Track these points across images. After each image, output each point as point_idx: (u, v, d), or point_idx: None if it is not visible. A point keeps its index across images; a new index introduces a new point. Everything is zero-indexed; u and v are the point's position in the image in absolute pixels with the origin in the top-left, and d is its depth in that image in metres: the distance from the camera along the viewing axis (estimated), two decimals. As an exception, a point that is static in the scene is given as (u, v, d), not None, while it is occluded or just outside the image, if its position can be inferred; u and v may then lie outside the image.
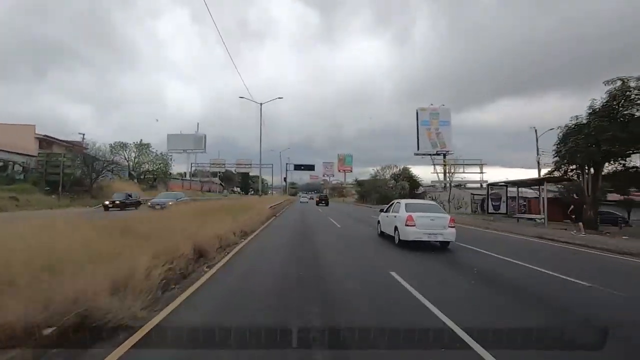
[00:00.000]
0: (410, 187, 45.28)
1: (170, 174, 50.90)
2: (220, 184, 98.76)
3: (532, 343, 3.35)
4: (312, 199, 66.26)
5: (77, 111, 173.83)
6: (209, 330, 3.33)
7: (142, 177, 47.76)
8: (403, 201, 10.55)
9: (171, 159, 50.01)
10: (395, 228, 9.70)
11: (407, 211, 9.32)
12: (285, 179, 57.95)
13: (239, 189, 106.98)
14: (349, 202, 64.82)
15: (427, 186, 50.34)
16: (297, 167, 60.83)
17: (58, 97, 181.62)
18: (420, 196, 41.91)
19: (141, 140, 53.00)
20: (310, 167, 63.45)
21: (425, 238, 8.88)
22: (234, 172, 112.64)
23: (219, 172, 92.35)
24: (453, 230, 9.10)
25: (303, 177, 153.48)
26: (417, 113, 53.85)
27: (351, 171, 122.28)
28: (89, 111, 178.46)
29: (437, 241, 9.31)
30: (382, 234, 11.46)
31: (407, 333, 3.37)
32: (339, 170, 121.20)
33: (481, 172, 43.24)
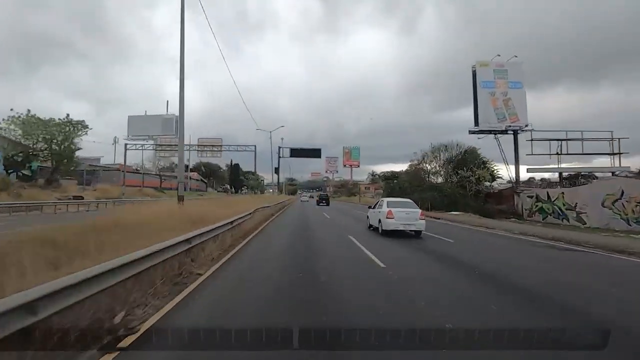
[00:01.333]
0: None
1: (74, 157, 32.29)
2: (202, 180, 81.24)
3: None
4: (313, 197, 64.78)
5: (75, 107, 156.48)
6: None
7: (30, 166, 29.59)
8: (385, 199, 13.18)
9: (74, 130, 31.31)
10: (379, 221, 11.93)
11: (388, 207, 11.64)
12: (277, 170, 39.24)
13: (228, 186, 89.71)
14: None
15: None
16: (296, 153, 40.86)
17: (52, 93, 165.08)
18: (507, 196, 24.24)
19: (68, 115, 34.42)
20: (316, 153, 43.08)
21: (401, 227, 11.12)
22: (224, 166, 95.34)
23: (189, 165, 73.78)
24: (423, 221, 11.36)
25: (304, 175, 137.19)
26: (473, 72, 35.80)
27: (358, 166, 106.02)
28: (85, 107, 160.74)
29: (410, 230, 11.36)
30: (370, 227, 13.50)
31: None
32: (345, 165, 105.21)
33: (617, 154, 24.62)
